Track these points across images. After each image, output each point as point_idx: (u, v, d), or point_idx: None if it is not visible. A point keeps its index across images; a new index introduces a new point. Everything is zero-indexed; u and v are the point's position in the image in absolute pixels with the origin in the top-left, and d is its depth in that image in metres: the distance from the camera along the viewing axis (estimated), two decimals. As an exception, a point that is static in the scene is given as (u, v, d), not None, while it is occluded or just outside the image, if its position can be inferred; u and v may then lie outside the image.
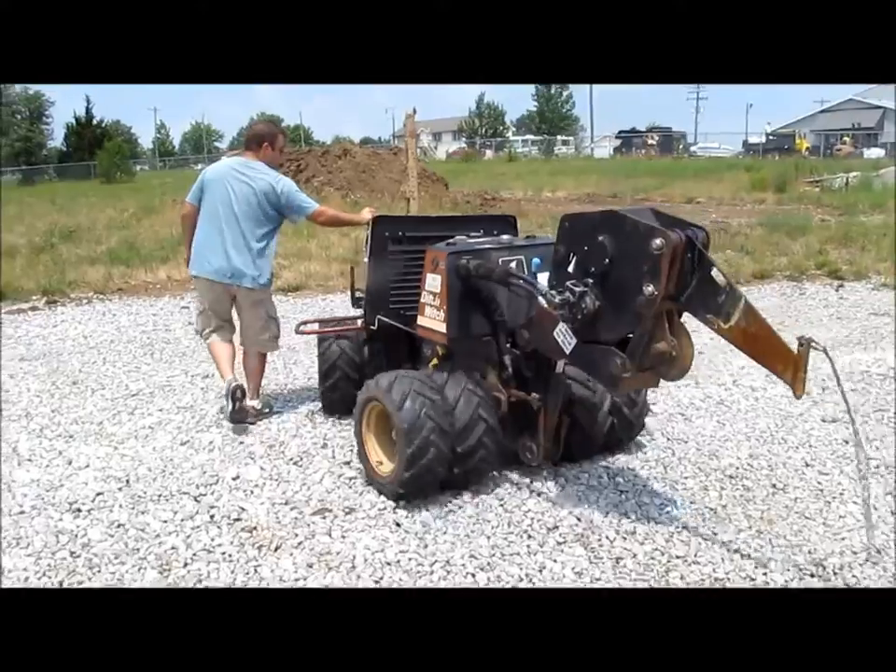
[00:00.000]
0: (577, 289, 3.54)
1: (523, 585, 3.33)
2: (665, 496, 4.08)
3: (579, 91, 79.85)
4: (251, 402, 5.19)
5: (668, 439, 4.80)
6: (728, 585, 3.34)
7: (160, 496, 4.14)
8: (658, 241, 3.20)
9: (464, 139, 78.85)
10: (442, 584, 3.35)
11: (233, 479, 4.31)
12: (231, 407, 4.94)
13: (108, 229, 16.09)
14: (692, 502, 4.01)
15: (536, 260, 4.13)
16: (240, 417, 5.02)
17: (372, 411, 4.16)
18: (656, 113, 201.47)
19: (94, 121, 63.70)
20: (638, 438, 4.74)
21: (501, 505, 3.97)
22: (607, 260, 3.41)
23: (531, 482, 4.22)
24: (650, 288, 3.24)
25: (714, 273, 3.24)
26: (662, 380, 3.78)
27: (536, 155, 60.95)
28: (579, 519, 3.83)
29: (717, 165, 36.18)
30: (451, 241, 4.43)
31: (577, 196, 24.72)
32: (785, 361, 3.23)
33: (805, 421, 5.09)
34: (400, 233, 4.77)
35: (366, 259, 4.81)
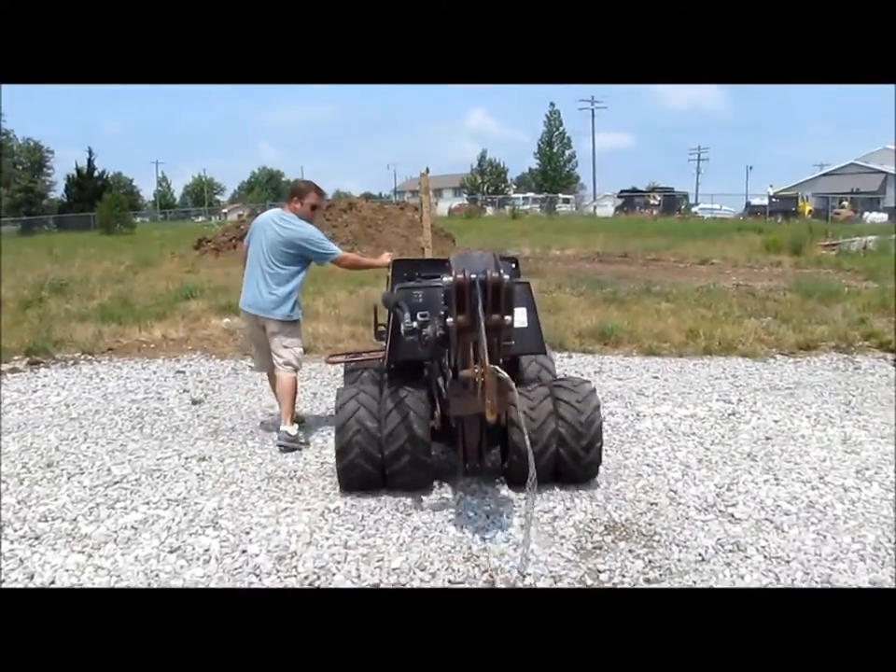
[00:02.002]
0: (421, 320, 4.34)
1: None
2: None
3: (581, 150, 79.98)
4: (283, 427, 5.65)
5: (765, 557, 3.92)
6: None
7: (140, 631, 3.27)
8: (446, 279, 3.89)
9: (465, 195, 78.85)
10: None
11: (234, 608, 3.44)
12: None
13: (103, 282, 15.33)
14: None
15: None
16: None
17: None
18: (656, 173, 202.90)
19: (96, 173, 63.55)
20: (731, 556, 3.89)
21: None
22: (443, 295, 4.06)
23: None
24: (449, 319, 3.91)
25: (479, 308, 3.74)
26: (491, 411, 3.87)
27: (537, 212, 60.74)
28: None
29: (725, 226, 35.72)
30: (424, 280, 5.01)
31: (586, 255, 24.04)
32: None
33: (922, 532, 4.24)
34: (416, 273, 5.21)
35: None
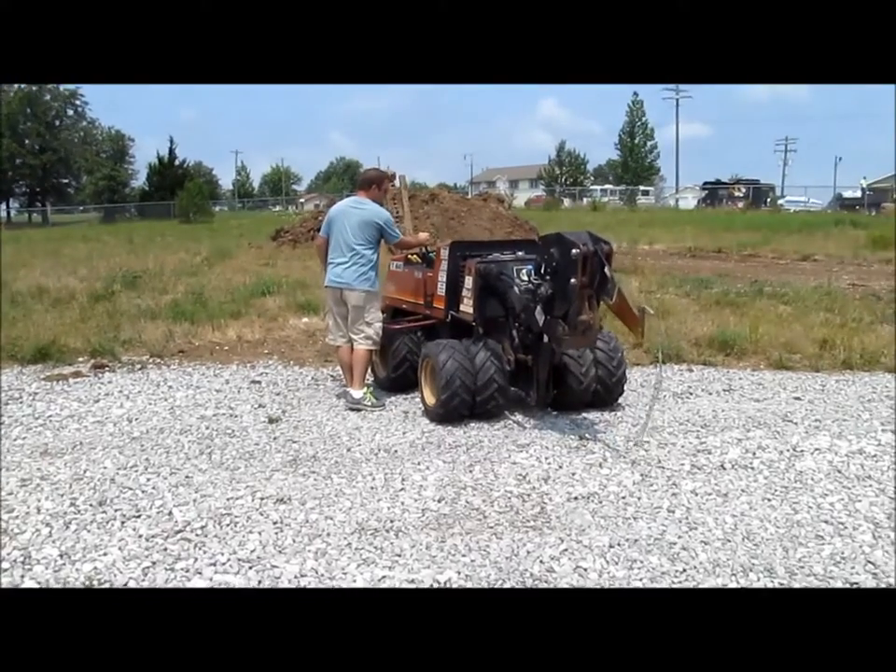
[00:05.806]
0: (536, 282, 5.57)
1: None
2: None
3: (663, 141, 77.48)
4: (351, 391, 6.46)
5: None
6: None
7: None
8: (575, 251, 5.05)
9: (542, 186, 77.35)
10: None
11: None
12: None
13: (177, 275, 14.69)
14: None
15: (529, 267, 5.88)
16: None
17: (427, 364, 6.11)
18: (737, 164, 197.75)
19: (177, 162, 63.84)
20: None
21: None
22: (555, 264, 5.31)
23: None
24: (574, 280, 5.09)
25: (606, 270, 5.15)
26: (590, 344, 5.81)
27: (617, 204, 59.07)
28: None
29: (820, 220, 33.81)
30: (487, 257, 6.26)
31: (677, 250, 22.72)
32: (634, 321, 5.54)
33: None
34: (468, 253, 6.35)
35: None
